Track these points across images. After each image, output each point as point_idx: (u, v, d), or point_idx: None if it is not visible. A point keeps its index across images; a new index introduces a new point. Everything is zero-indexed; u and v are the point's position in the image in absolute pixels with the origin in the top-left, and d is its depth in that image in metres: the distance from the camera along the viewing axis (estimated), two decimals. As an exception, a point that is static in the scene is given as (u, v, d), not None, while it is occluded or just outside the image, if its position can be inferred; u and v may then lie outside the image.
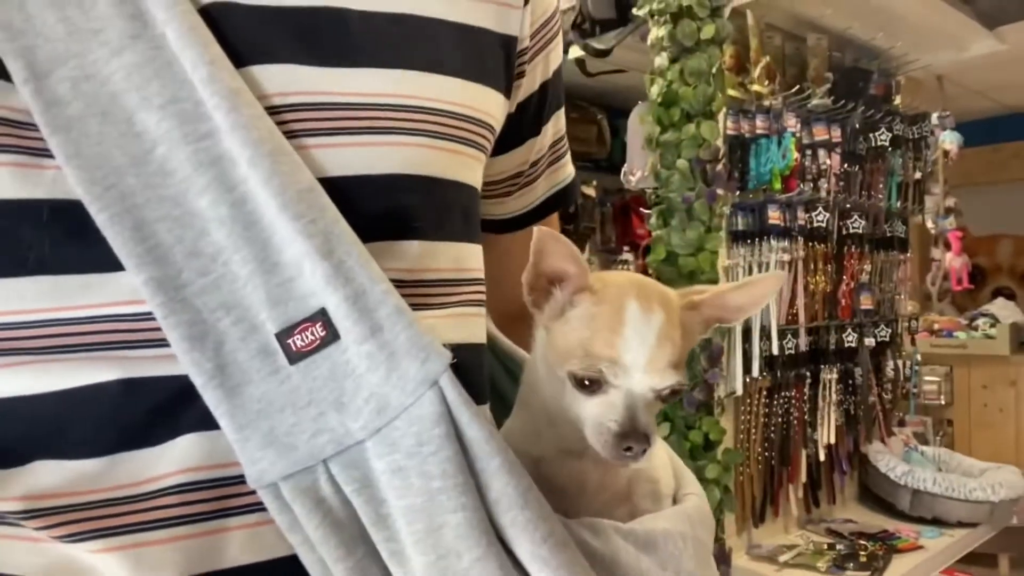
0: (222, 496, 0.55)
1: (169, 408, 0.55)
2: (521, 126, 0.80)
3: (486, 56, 0.71)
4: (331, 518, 0.53)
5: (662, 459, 0.73)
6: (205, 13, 0.58)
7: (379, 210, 0.60)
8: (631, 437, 0.60)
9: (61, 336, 0.54)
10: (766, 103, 2.54)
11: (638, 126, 2.66)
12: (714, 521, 0.73)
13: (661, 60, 2.48)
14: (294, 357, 0.54)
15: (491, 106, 0.71)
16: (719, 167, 2.41)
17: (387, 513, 0.53)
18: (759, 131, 2.50)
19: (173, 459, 0.54)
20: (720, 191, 2.41)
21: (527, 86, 0.78)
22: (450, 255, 0.66)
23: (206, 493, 0.54)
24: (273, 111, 0.58)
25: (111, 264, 0.54)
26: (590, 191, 4.29)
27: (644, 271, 3.72)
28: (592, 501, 0.67)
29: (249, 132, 0.54)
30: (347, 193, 0.59)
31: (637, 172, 2.78)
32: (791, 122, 2.51)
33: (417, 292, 0.63)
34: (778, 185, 2.51)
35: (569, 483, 0.67)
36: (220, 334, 0.54)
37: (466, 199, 0.69)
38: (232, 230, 0.54)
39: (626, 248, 4.34)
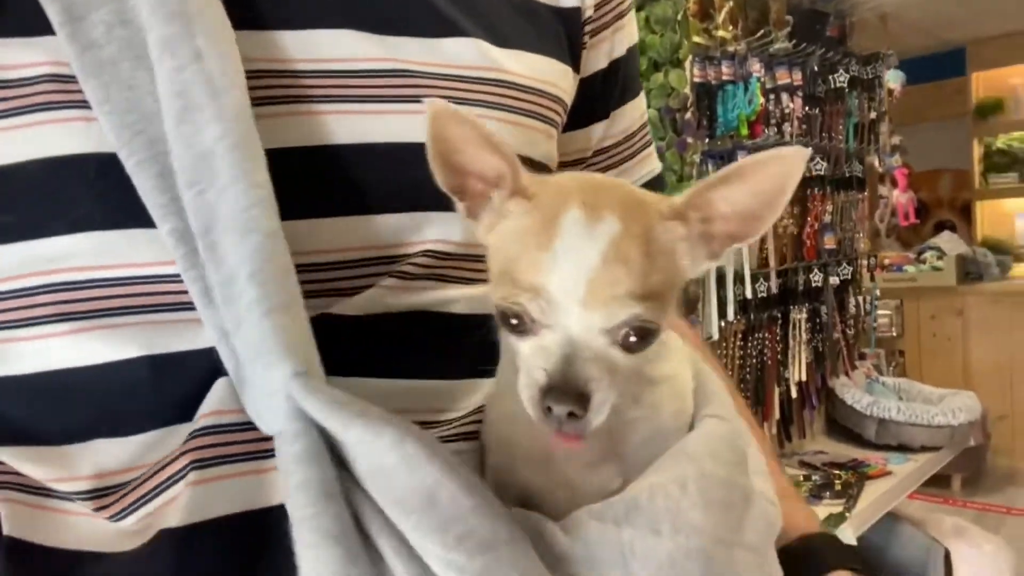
0: (256, 438, 0.52)
1: (213, 379, 0.54)
2: (585, 105, 0.75)
3: (545, 27, 0.70)
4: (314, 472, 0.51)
5: (678, 387, 0.57)
6: None
7: (421, 179, 0.55)
8: (553, 394, 0.45)
9: (113, 299, 0.53)
10: (731, 49, 2.55)
11: (605, 77, 2.66)
12: (741, 444, 0.57)
13: (626, 9, 2.46)
14: None
15: (557, 77, 0.69)
16: (688, 115, 2.42)
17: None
18: (725, 77, 2.51)
19: (210, 402, 0.53)
20: (690, 139, 2.43)
21: (592, 61, 0.75)
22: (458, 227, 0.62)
23: (239, 435, 0.53)
24: (312, 75, 0.57)
25: (151, 219, 0.52)
26: (549, 144, 4.26)
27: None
28: (565, 468, 0.54)
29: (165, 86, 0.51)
30: (386, 161, 0.58)
31: (604, 123, 2.78)
32: (756, 67, 2.53)
33: (460, 266, 0.61)
34: (745, 131, 2.54)
35: (535, 450, 0.54)
36: None
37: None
38: None
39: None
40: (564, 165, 0.79)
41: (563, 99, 0.70)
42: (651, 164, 0.86)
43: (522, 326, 0.48)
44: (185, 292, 0.52)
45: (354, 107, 0.57)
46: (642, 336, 0.47)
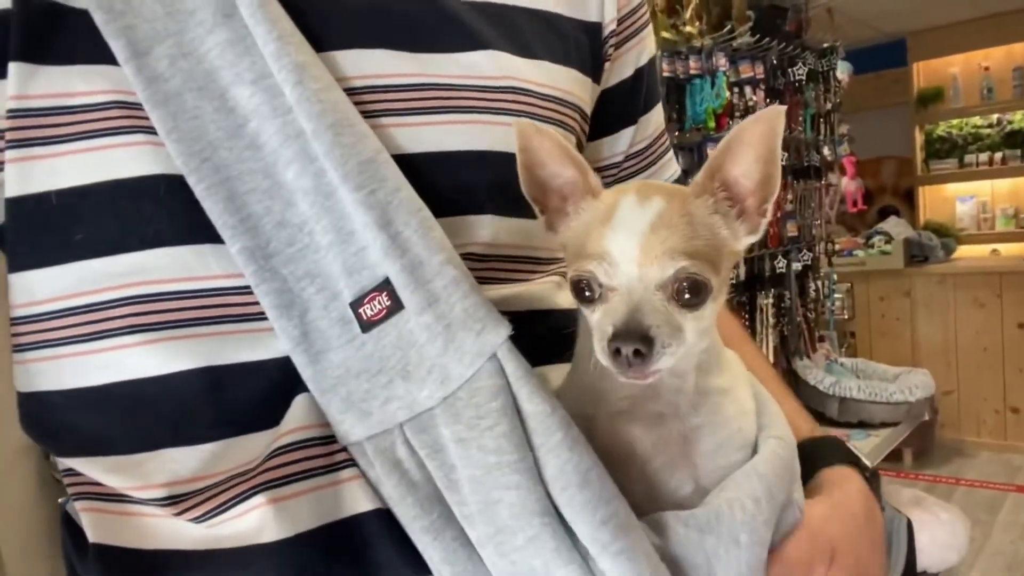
0: (333, 451, 0.56)
1: (284, 389, 0.56)
2: (613, 113, 0.79)
3: (567, 41, 0.73)
4: (407, 479, 0.54)
5: (739, 403, 0.62)
6: (291, 2, 0.59)
7: (463, 185, 0.62)
8: (620, 338, 0.50)
9: (184, 311, 0.55)
10: (697, 44, 2.62)
11: (576, 72, 2.71)
12: (796, 464, 0.63)
13: (596, 5, 2.51)
14: (365, 326, 0.55)
15: (577, 87, 0.72)
16: (659, 109, 2.49)
17: (457, 479, 0.53)
18: (693, 72, 2.58)
19: (291, 419, 0.56)
20: (661, 132, 2.50)
21: (617, 72, 0.79)
22: (532, 231, 0.65)
23: (320, 448, 0.56)
24: (355, 92, 0.60)
25: (218, 234, 0.55)
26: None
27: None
28: (644, 468, 0.59)
29: (312, 105, 0.55)
30: (428, 169, 0.60)
31: (575, 117, 2.83)
32: (721, 61, 2.61)
33: (499, 267, 0.64)
34: (712, 124, 2.62)
35: (617, 447, 0.59)
36: (305, 302, 0.55)
37: None
38: (315, 200, 0.55)
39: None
40: (599, 171, 0.84)
41: (582, 108, 0.73)
42: (673, 166, 0.93)
43: (592, 294, 0.54)
44: (251, 304, 0.55)
45: (396, 120, 0.61)
46: (694, 291, 0.53)
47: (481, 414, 0.53)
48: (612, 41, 0.78)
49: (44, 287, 0.56)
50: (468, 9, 0.68)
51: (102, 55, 0.55)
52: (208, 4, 0.57)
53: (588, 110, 0.76)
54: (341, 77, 0.60)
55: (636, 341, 0.50)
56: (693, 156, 2.63)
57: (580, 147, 0.77)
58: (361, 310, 0.55)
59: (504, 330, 0.54)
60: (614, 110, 0.80)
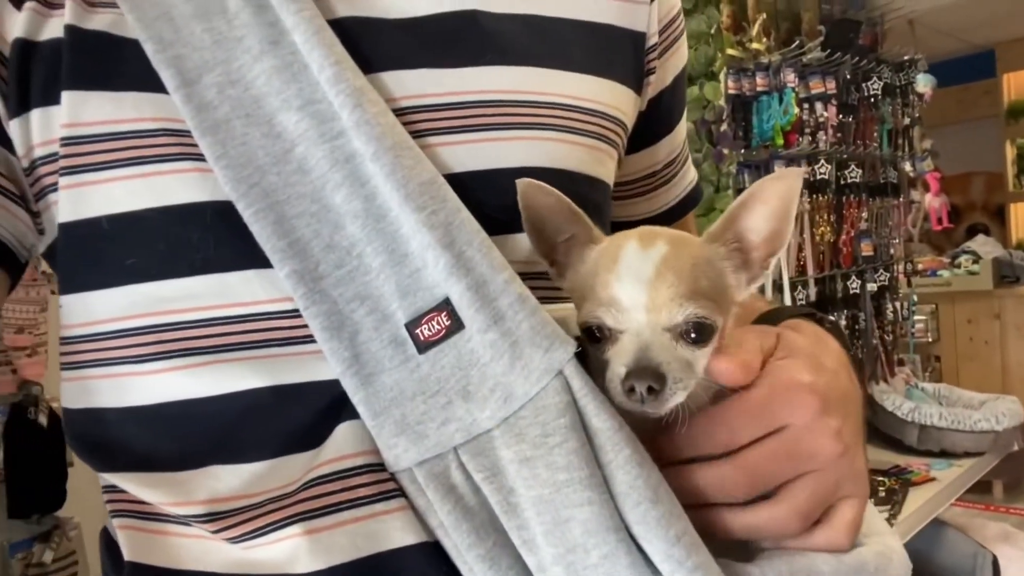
0: (378, 480, 0.56)
1: (329, 412, 0.57)
2: (655, 123, 0.80)
3: (614, 52, 0.73)
4: (462, 505, 0.53)
5: None
6: (337, 25, 0.61)
7: (508, 203, 0.61)
8: (634, 375, 0.52)
9: (230, 335, 0.56)
10: (764, 60, 2.57)
11: (639, 91, 2.69)
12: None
13: (660, 24, 2.49)
14: (422, 346, 0.55)
15: (621, 102, 0.72)
16: (724, 127, 2.45)
17: (516, 502, 0.52)
18: (759, 88, 2.53)
19: (332, 447, 0.56)
20: (726, 150, 2.46)
21: (658, 82, 0.79)
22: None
23: (364, 478, 0.56)
24: (400, 113, 0.60)
25: (266, 259, 0.56)
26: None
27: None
28: None
29: (372, 128, 0.56)
30: (474, 187, 0.60)
31: (640, 136, 2.81)
32: (790, 77, 2.55)
33: (544, 285, 0.63)
34: (780, 141, 2.56)
35: None
36: (355, 324, 0.55)
37: (599, 195, 0.70)
38: (365, 223, 0.56)
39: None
40: (637, 181, 0.85)
41: (624, 121, 0.73)
42: (692, 172, 0.93)
43: (603, 337, 0.56)
44: (297, 328, 0.56)
45: (440, 139, 0.61)
46: (700, 331, 0.54)
47: (548, 431, 0.52)
48: (655, 53, 0.77)
49: (103, 307, 0.58)
50: (510, 23, 0.68)
51: (151, 83, 0.57)
52: (255, 32, 0.59)
53: (630, 124, 0.76)
54: (388, 99, 0.61)
55: (649, 379, 0.52)
56: (760, 174, 2.57)
57: (619, 159, 0.76)
58: (418, 331, 0.55)
59: (571, 347, 0.54)
60: (655, 120, 0.80)
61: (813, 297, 2.67)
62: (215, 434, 0.57)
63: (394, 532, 0.55)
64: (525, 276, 0.63)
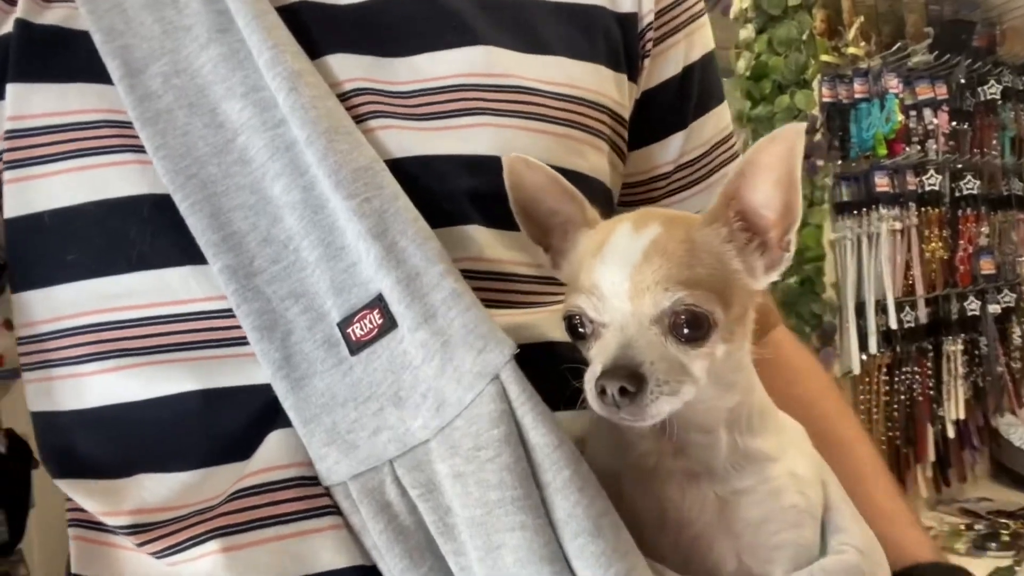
0: (309, 495, 0.52)
1: (262, 419, 0.54)
2: (658, 117, 0.72)
3: (595, 33, 0.67)
4: (396, 524, 0.50)
5: (792, 474, 0.54)
6: (288, 10, 0.59)
7: (458, 192, 0.57)
8: (607, 375, 0.46)
9: (166, 335, 0.54)
10: (863, 65, 2.42)
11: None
12: None
13: (747, 32, 2.39)
14: (354, 347, 0.51)
15: (607, 87, 0.66)
16: (818, 137, 2.31)
17: (453, 523, 0.48)
18: (858, 95, 2.38)
19: (261, 457, 0.53)
20: (820, 162, 2.31)
21: (660, 70, 0.72)
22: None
23: (292, 492, 0.52)
24: (345, 97, 0.58)
25: (203, 255, 0.54)
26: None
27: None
28: (679, 536, 0.53)
29: (307, 112, 0.53)
30: (419, 174, 0.57)
31: (729, 151, 2.69)
32: (892, 83, 2.39)
33: (495, 287, 0.58)
34: (883, 150, 2.39)
35: (648, 509, 0.53)
36: (288, 324, 0.52)
37: (577, 189, 0.64)
38: (303, 215, 0.53)
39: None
40: (643, 183, 0.76)
41: (612, 109, 0.67)
42: None
43: (585, 331, 0.50)
44: (236, 327, 0.53)
45: (382, 123, 0.57)
46: (695, 325, 0.47)
47: (481, 444, 0.48)
48: (650, 35, 0.70)
49: (42, 307, 0.57)
50: (471, 5, 0.64)
51: (98, 74, 0.56)
52: (204, 20, 0.57)
53: (625, 112, 0.69)
54: (333, 83, 0.58)
55: (622, 378, 0.45)
56: (860, 186, 2.41)
57: (619, 153, 0.69)
58: (350, 330, 0.52)
59: (508, 349, 0.49)
60: (659, 114, 0.72)
61: (924, 319, 2.46)
62: (146, 440, 0.54)
63: (323, 553, 0.51)
64: (481, 275, 0.58)
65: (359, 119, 0.57)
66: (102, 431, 0.55)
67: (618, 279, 0.48)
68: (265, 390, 0.53)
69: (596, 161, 0.65)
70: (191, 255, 0.54)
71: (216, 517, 0.52)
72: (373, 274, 0.51)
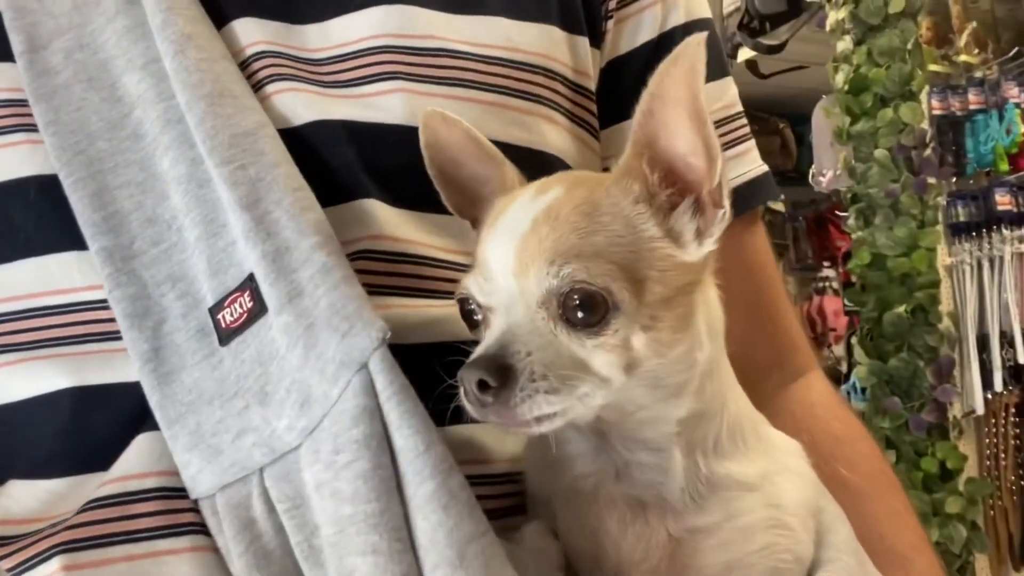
0: (168, 510, 0.45)
1: (133, 420, 0.48)
2: (628, 89, 0.60)
3: None
4: (258, 546, 0.43)
5: (773, 507, 0.45)
6: None
7: (358, 162, 0.51)
8: (468, 368, 0.39)
9: (45, 329, 0.50)
10: (978, 74, 2.21)
11: (823, 121, 2.42)
12: None
13: (844, 44, 2.24)
14: (224, 336, 0.45)
15: (558, 50, 0.59)
16: (927, 152, 2.12)
17: (319, 546, 0.41)
18: (973, 106, 2.18)
19: (121, 463, 0.47)
20: (932, 179, 2.11)
21: (629, 35, 0.63)
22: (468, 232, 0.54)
23: (150, 505, 0.45)
24: (246, 62, 0.54)
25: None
26: (778, 206, 3.98)
27: (847, 283, 3.37)
28: None
29: (189, 75, 0.49)
30: (316, 141, 0.51)
31: (827, 172, 2.52)
32: (1012, 92, 2.17)
33: (409, 272, 0.52)
34: (1005, 165, 2.17)
35: (581, 544, 0.45)
36: (163, 311, 0.47)
37: (519, 165, 0.54)
38: (187, 190, 0.49)
39: (826, 264, 3.98)
40: None
41: (563, 75, 0.59)
42: (747, 164, 0.68)
43: (477, 317, 0.43)
44: (114, 319, 0.48)
45: (281, 86, 0.53)
46: (589, 308, 0.39)
47: (339, 447, 0.40)
48: None
49: None
50: None
51: (4, 53, 0.54)
52: None
53: (586, 81, 0.60)
54: (236, 49, 0.54)
55: (481, 371, 0.38)
56: (979, 205, 2.18)
57: (588, 129, 0.60)
58: (220, 316, 0.46)
59: (376, 332, 0.41)
60: (631, 85, 0.62)
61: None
62: (19, 444, 0.50)
63: None
64: (392, 258, 0.51)
65: (259, 84, 0.53)
66: None
67: (503, 254, 0.41)
68: (140, 388, 0.47)
69: (550, 134, 0.57)
70: (73, 240, 0.50)
71: (64, 531, 0.45)
72: (244, 249, 0.45)
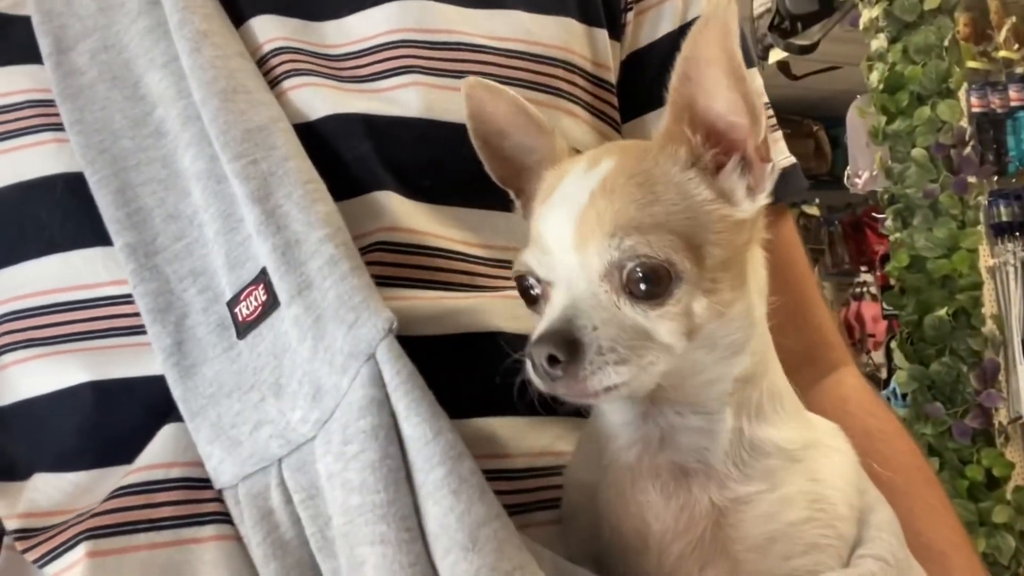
0: (193, 499, 0.46)
1: (157, 413, 0.48)
2: (649, 81, 0.62)
3: None
4: (276, 536, 0.43)
5: (816, 480, 0.45)
6: None
7: (372, 155, 0.51)
8: (536, 342, 0.39)
9: (71, 324, 0.51)
10: (1019, 70, 2.16)
11: (858, 121, 2.38)
12: None
13: (879, 42, 2.20)
14: (241, 329, 0.46)
15: (577, 43, 0.58)
16: (967, 151, 2.06)
17: (333, 537, 0.41)
18: (1014, 103, 2.12)
19: (148, 453, 0.47)
20: (972, 178, 2.06)
21: (650, 27, 0.63)
22: (500, 227, 0.53)
23: (174, 494, 0.46)
24: (264, 59, 0.55)
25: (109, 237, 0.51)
26: (813, 210, 3.93)
27: (885, 286, 3.30)
28: (661, 556, 0.44)
29: (204, 72, 0.50)
30: (331, 135, 0.52)
31: (863, 173, 2.47)
32: (1055, 87, 2.10)
33: (423, 264, 0.52)
34: (1049, 164, 2.10)
35: (626, 523, 0.44)
36: (185, 306, 0.48)
37: None
38: (207, 186, 0.49)
39: (863, 268, 3.91)
40: None
41: (583, 68, 0.59)
42: (775, 155, 0.65)
43: (535, 293, 0.43)
44: (137, 315, 0.49)
45: (298, 81, 0.53)
46: (652, 280, 0.39)
47: (348, 438, 0.40)
48: None
49: None
50: None
51: (32, 56, 0.56)
52: None
53: (607, 75, 0.60)
54: (254, 46, 0.55)
55: (550, 345, 0.38)
56: (1023, 205, 2.12)
57: (610, 123, 0.60)
58: (237, 309, 0.46)
59: (383, 322, 0.41)
60: (652, 78, 0.61)
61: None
62: (52, 437, 0.51)
63: (201, 567, 0.44)
64: (405, 249, 0.51)
65: (276, 79, 0.53)
66: (14, 429, 0.52)
67: (562, 228, 0.41)
68: (162, 381, 0.48)
69: (570, 128, 0.57)
70: (102, 236, 0.51)
71: (90, 517, 0.46)
72: (257, 243, 0.46)
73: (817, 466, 0.44)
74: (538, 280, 0.42)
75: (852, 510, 0.44)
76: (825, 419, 0.47)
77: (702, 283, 0.40)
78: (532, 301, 0.43)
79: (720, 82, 0.40)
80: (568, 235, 0.40)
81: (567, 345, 0.38)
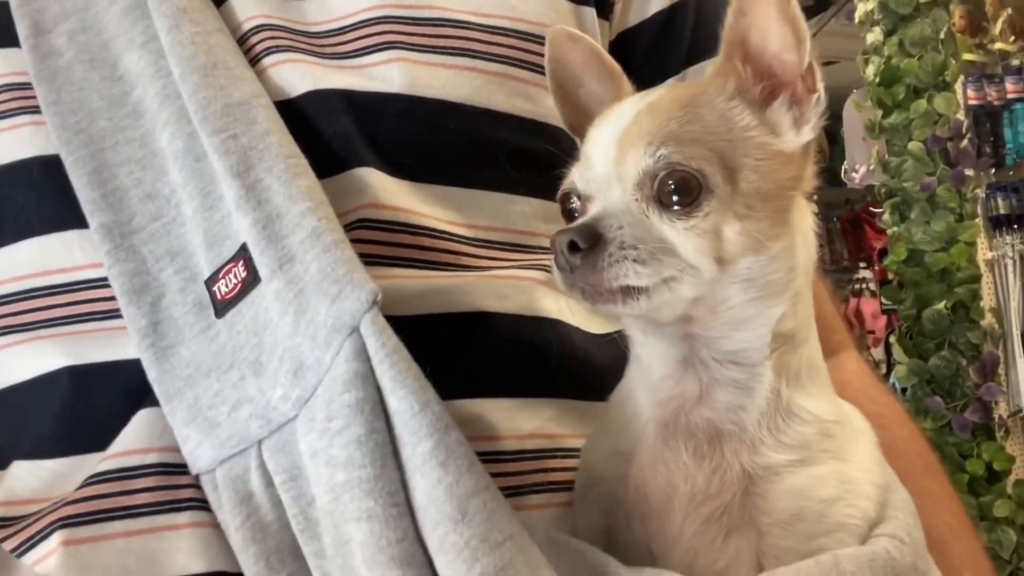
0: (168, 485, 0.45)
1: (134, 397, 0.48)
2: (638, 63, 0.62)
3: None
4: (255, 520, 0.42)
5: (847, 461, 0.44)
6: None
7: (355, 132, 0.51)
8: (561, 232, 0.40)
9: (47, 309, 0.50)
10: (1015, 62, 2.15)
11: (855, 115, 2.37)
12: None
13: (874, 36, 2.19)
14: (220, 307, 0.45)
15: (563, 20, 0.58)
16: (964, 143, 2.06)
17: (316, 518, 0.40)
18: (1011, 95, 2.12)
19: (122, 439, 0.47)
20: (969, 171, 2.05)
21: (637, 5, 0.62)
22: (485, 207, 0.53)
23: (149, 480, 0.45)
24: (244, 36, 0.54)
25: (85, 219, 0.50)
26: (812, 206, 3.92)
27: (883, 280, 3.30)
28: (686, 521, 0.43)
29: (183, 49, 0.50)
30: (313, 111, 0.51)
31: (860, 168, 2.47)
32: (1052, 79, 2.10)
33: (431, 245, 0.51)
34: (1045, 156, 2.10)
35: (654, 488, 0.44)
36: (161, 286, 0.48)
37: (520, 136, 0.55)
38: (184, 164, 0.49)
39: (862, 264, 3.90)
40: None
41: None
42: None
43: (576, 210, 0.44)
44: (115, 298, 0.48)
45: (279, 57, 0.53)
46: (683, 190, 0.40)
47: (332, 413, 0.39)
48: None
49: None
50: None
51: (12, 40, 0.55)
52: None
53: None
54: (235, 24, 0.54)
55: (573, 233, 0.40)
56: (1021, 197, 2.11)
57: None
58: (215, 288, 0.45)
59: (367, 294, 0.40)
60: (641, 59, 0.61)
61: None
62: (31, 424, 0.50)
63: (177, 555, 0.43)
64: (391, 227, 0.50)
65: (257, 57, 0.53)
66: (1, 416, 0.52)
67: (606, 144, 0.43)
68: (141, 365, 0.47)
69: (555, 106, 0.55)
70: (78, 218, 0.50)
71: (64, 505, 0.45)
72: (236, 219, 0.45)
73: (849, 445, 0.44)
74: (579, 197, 0.44)
75: (877, 490, 0.44)
76: (848, 404, 0.46)
77: (736, 206, 0.40)
78: (570, 219, 0.44)
79: (773, 18, 0.42)
80: (611, 150, 0.42)
81: (590, 235, 0.39)
